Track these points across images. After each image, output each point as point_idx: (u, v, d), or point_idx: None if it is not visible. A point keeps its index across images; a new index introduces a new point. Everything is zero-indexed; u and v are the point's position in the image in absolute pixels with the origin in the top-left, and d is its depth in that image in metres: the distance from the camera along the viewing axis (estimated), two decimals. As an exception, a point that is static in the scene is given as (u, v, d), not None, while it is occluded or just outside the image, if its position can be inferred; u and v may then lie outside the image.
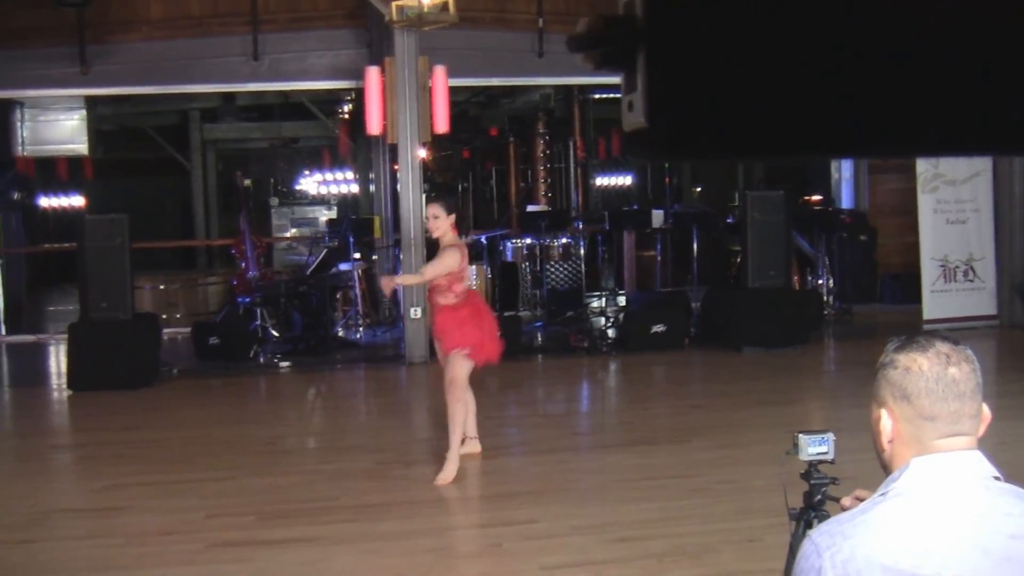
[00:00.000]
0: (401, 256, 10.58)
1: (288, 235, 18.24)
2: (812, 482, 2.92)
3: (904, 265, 12.77)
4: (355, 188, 19.17)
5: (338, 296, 11.74)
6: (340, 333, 11.28)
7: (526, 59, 11.91)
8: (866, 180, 13.59)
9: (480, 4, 11.72)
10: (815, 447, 2.87)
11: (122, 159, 19.40)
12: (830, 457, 2.89)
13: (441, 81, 10.05)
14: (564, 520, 5.30)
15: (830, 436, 2.88)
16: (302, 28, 11.91)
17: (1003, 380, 8.40)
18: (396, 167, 10.92)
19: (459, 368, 6.10)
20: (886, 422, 1.82)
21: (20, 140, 14.58)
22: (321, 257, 12.69)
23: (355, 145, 17.95)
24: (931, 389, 1.77)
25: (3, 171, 15.20)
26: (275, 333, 10.83)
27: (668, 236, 13.21)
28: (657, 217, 12.80)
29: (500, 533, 5.24)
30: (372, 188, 14.71)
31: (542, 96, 16.96)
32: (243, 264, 12.20)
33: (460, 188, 20.32)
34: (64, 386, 9.21)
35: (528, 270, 12.51)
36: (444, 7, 9.04)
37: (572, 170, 18.44)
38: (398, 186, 10.46)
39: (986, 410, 1.83)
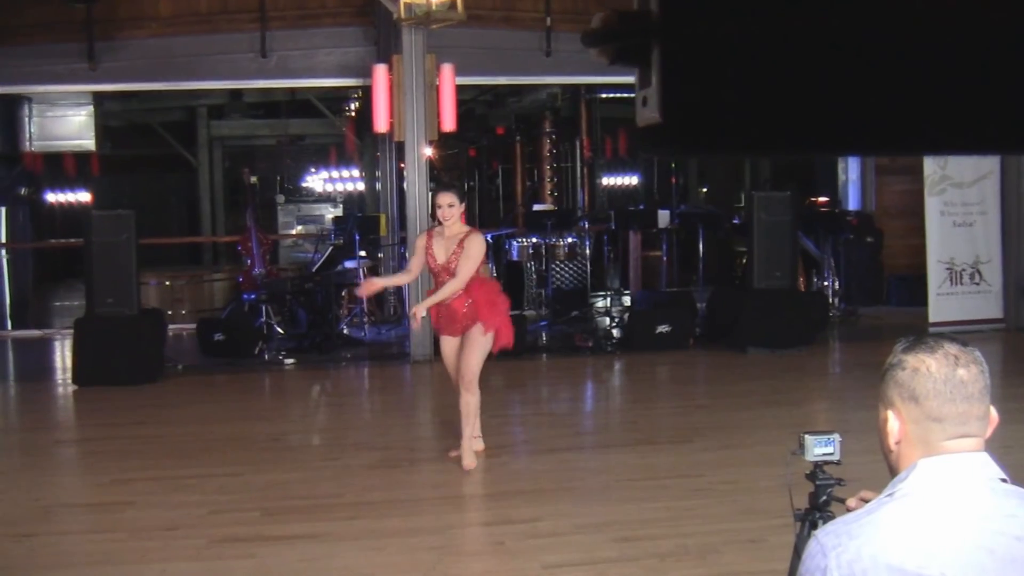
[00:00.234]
0: (407, 254, 10.59)
1: (294, 232, 18.27)
2: (818, 483, 2.92)
3: (910, 267, 12.74)
4: (361, 186, 19.19)
5: (343, 293, 11.75)
6: (345, 330, 11.29)
7: (533, 58, 11.91)
8: (873, 182, 13.57)
9: (488, 2, 11.72)
10: (821, 448, 2.86)
11: (129, 155, 19.45)
12: (836, 458, 2.88)
13: (448, 79, 10.05)
14: (567, 519, 5.30)
15: (836, 437, 2.87)
16: (310, 25, 11.92)
17: (1009, 384, 8.37)
18: (402, 165, 10.93)
19: (482, 355, 6.05)
20: (893, 423, 1.82)
21: (28, 135, 14.65)
22: (327, 254, 12.71)
23: (361, 143, 17.97)
24: (939, 390, 1.77)
25: (11, 166, 15.23)
26: (280, 330, 10.85)
27: (674, 236, 13.21)
28: (663, 217, 12.79)
29: (503, 531, 5.24)
30: (378, 186, 14.72)
31: (549, 95, 16.98)
32: (249, 261, 12.21)
33: (466, 186, 20.32)
34: (69, 381, 9.22)
35: (533, 269, 12.51)
36: (452, 5, 9.04)
37: (578, 169, 18.44)
38: (404, 184, 10.47)
39: (993, 412, 1.82)
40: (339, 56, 12.01)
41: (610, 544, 4.94)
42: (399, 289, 12.14)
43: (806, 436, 2.88)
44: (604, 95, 17.47)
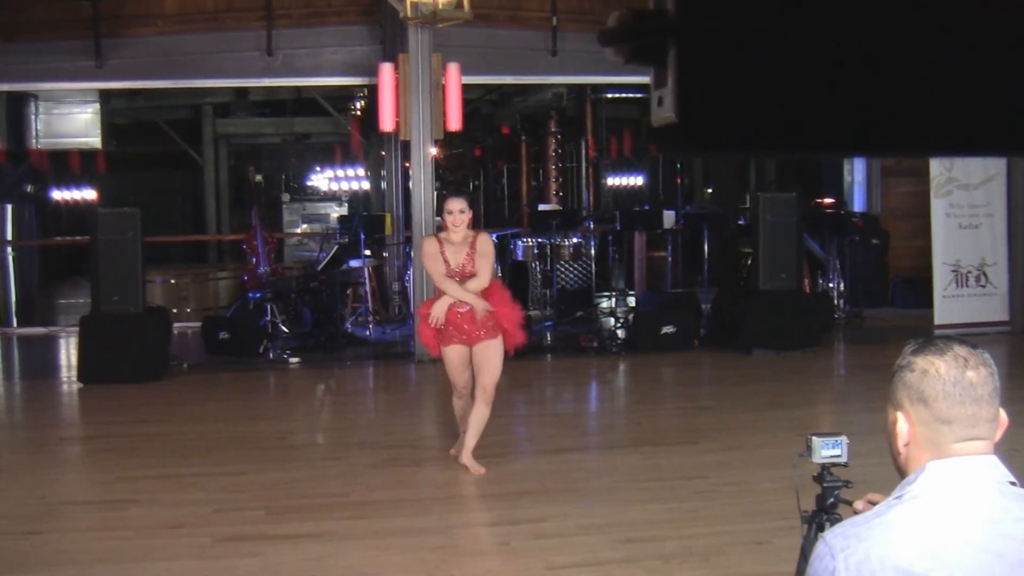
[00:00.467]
0: (412, 253, 10.59)
1: (299, 231, 18.29)
2: (825, 485, 2.91)
3: (916, 269, 12.72)
4: (366, 185, 19.22)
5: (348, 292, 11.76)
6: (350, 329, 11.29)
7: (539, 57, 11.91)
8: (879, 183, 13.53)
9: (494, 2, 11.72)
10: (828, 450, 2.85)
11: (134, 153, 19.48)
12: (843, 460, 2.87)
13: (454, 78, 10.05)
14: (571, 520, 5.30)
15: (843, 439, 2.87)
16: (316, 24, 11.93)
17: (1015, 386, 8.36)
18: (408, 164, 10.93)
19: (501, 363, 6.00)
20: (902, 425, 1.81)
21: (34, 133, 14.68)
22: (332, 253, 12.72)
23: (367, 142, 17.99)
24: (948, 392, 1.76)
25: (17, 164, 15.26)
26: (285, 329, 10.85)
27: (679, 237, 13.19)
28: (668, 218, 12.78)
29: (508, 532, 5.24)
30: (383, 185, 14.74)
31: (554, 95, 16.96)
32: (254, 259, 12.22)
33: (471, 186, 20.33)
34: (74, 379, 9.24)
35: (538, 269, 12.50)
36: (459, 4, 9.04)
37: (584, 169, 18.44)
38: (410, 183, 10.47)
39: (1003, 415, 1.82)
40: (345, 55, 12.02)
41: (615, 545, 4.94)
42: (404, 289, 12.16)
43: (813, 438, 2.87)
44: (610, 95, 17.47)
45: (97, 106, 14.86)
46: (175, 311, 11.98)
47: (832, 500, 2.89)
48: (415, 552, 4.88)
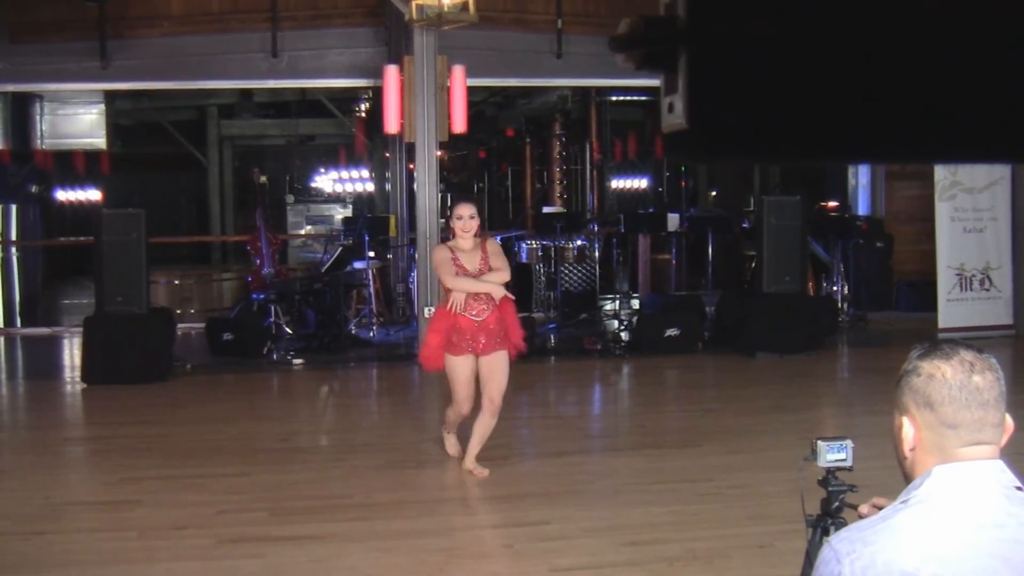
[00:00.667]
0: (416, 255, 10.59)
1: (303, 232, 18.29)
2: (830, 489, 2.91)
3: (920, 273, 12.71)
4: (371, 186, 19.22)
5: (352, 294, 11.76)
6: (353, 331, 11.29)
7: (544, 60, 11.92)
8: (883, 187, 13.53)
9: (499, 4, 11.74)
10: (833, 454, 2.85)
11: (139, 154, 19.51)
12: (848, 464, 2.87)
13: (459, 81, 10.06)
14: (575, 522, 5.30)
15: (849, 443, 2.86)
16: (321, 26, 11.95)
17: (1020, 391, 8.33)
18: (412, 166, 10.93)
19: (508, 372, 6.00)
20: (908, 430, 1.81)
21: (39, 133, 14.70)
22: (336, 255, 12.72)
23: (371, 143, 18.00)
24: (954, 397, 1.76)
25: (22, 164, 15.28)
26: (289, 330, 10.85)
27: (683, 240, 13.19)
28: (672, 220, 12.78)
29: (511, 534, 5.23)
30: (388, 187, 14.73)
31: (559, 97, 16.97)
32: (258, 260, 12.23)
33: (476, 188, 20.34)
34: (78, 379, 9.24)
35: (542, 272, 12.50)
36: (464, 7, 9.04)
37: (588, 172, 18.45)
38: (414, 185, 10.47)
39: (1009, 420, 1.82)
40: (350, 57, 12.03)
41: (618, 548, 4.94)
42: (407, 291, 12.16)
43: (819, 442, 2.87)
44: (614, 98, 17.49)
45: (102, 107, 14.88)
46: (179, 312, 11.99)
47: (837, 504, 2.89)
48: (418, 554, 4.88)
